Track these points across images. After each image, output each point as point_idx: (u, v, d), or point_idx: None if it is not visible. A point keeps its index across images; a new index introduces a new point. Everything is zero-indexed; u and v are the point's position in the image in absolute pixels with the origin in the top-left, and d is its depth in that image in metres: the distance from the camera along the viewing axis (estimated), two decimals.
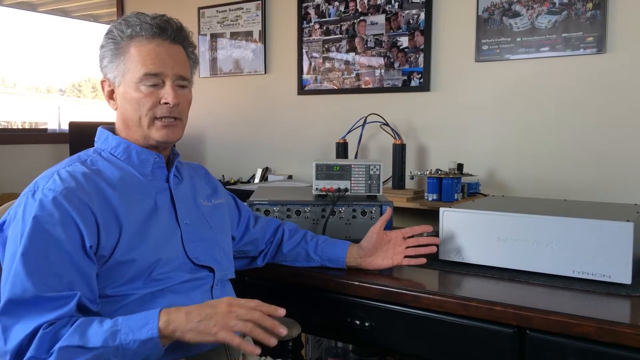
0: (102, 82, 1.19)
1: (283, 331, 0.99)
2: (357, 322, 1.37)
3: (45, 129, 3.24)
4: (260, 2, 2.72)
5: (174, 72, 1.14)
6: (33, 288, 0.95)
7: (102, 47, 1.17)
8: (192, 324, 0.96)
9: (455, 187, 1.96)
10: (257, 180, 2.68)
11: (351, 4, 2.43)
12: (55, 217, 1.00)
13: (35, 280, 0.96)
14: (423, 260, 1.41)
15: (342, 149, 2.28)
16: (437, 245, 1.44)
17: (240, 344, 0.97)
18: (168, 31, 1.14)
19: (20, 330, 0.94)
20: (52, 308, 0.95)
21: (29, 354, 0.92)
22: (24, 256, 0.97)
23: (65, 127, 3.04)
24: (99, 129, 1.21)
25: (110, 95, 1.19)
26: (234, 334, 0.97)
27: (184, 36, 1.18)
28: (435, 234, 1.49)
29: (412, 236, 1.45)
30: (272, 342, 0.98)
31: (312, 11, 2.55)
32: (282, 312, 1.02)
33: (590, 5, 1.91)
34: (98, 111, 3.90)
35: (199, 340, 0.97)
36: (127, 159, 1.16)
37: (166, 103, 1.13)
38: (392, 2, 2.32)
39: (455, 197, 1.96)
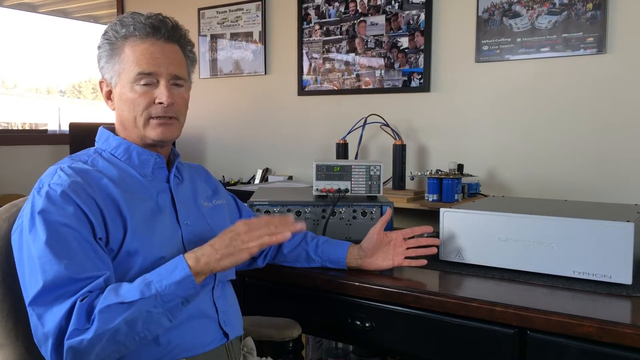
0: (100, 82, 1.20)
1: (297, 226, 1.10)
2: (358, 322, 1.37)
3: (46, 130, 3.24)
4: (260, 2, 2.72)
5: (168, 72, 1.14)
6: (65, 271, 0.96)
7: (99, 47, 1.17)
8: (222, 251, 1.02)
9: (456, 188, 1.96)
10: (257, 180, 2.68)
11: (351, 5, 2.43)
12: (68, 211, 1.01)
13: (66, 263, 0.96)
14: (424, 262, 1.41)
15: (342, 150, 2.27)
16: (438, 246, 1.44)
17: (273, 236, 1.06)
18: (162, 30, 1.14)
19: (57, 312, 0.94)
20: (85, 285, 0.96)
21: (70, 327, 0.93)
22: (48, 244, 0.97)
23: (65, 128, 3.05)
24: (100, 128, 1.21)
25: (108, 96, 1.19)
26: (262, 243, 1.05)
27: (179, 35, 1.18)
28: (436, 234, 1.49)
29: (413, 237, 1.45)
30: (287, 235, 1.08)
31: (312, 12, 2.55)
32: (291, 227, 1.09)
33: (590, 5, 1.91)
34: (98, 112, 3.90)
35: (235, 261, 1.03)
36: (127, 160, 1.16)
37: (160, 103, 1.13)
38: (392, 2, 2.32)
39: (456, 198, 1.96)
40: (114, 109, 1.19)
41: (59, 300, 0.95)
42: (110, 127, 1.21)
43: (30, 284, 0.97)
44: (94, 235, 1.02)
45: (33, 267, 0.97)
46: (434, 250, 1.43)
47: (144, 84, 1.12)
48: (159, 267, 1.01)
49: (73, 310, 0.93)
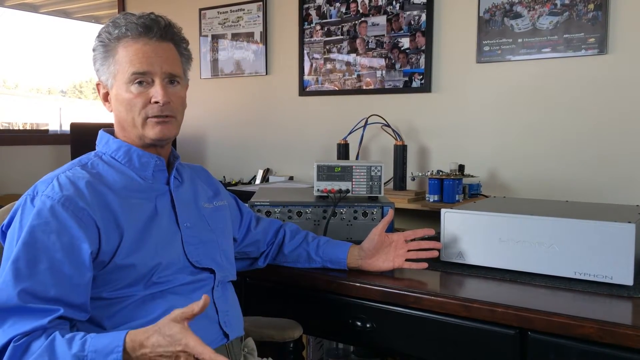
0: (97, 85, 1.19)
1: None
2: (359, 323, 1.37)
3: (47, 130, 3.25)
4: (261, 3, 2.72)
5: (162, 70, 1.13)
6: (16, 297, 0.94)
7: (93, 50, 1.17)
8: (160, 351, 0.90)
9: (457, 188, 1.96)
10: (258, 181, 2.68)
11: (352, 5, 2.43)
12: (51, 226, 1.00)
13: (21, 289, 0.95)
14: (424, 265, 1.41)
15: (343, 150, 2.27)
16: (439, 249, 1.44)
17: None
18: (154, 29, 1.13)
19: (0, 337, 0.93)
20: (30, 319, 0.94)
21: None
22: (14, 264, 0.97)
23: (66, 128, 3.05)
24: (100, 132, 1.21)
25: (106, 98, 1.18)
26: None
27: (172, 33, 1.17)
28: (437, 235, 1.48)
29: (415, 239, 1.45)
30: None
31: (313, 12, 2.55)
32: None
33: (591, 6, 1.91)
34: (99, 112, 3.91)
35: None
36: (128, 162, 1.16)
37: (156, 102, 1.12)
38: (394, 3, 2.32)
39: (457, 198, 1.96)
40: (111, 111, 1.19)
41: (3, 326, 0.93)
42: (110, 130, 1.21)
43: None
44: (79, 253, 1.00)
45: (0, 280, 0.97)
46: (435, 254, 1.42)
47: (139, 84, 1.12)
48: (105, 338, 0.92)
49: (8, 346, 0.92)
